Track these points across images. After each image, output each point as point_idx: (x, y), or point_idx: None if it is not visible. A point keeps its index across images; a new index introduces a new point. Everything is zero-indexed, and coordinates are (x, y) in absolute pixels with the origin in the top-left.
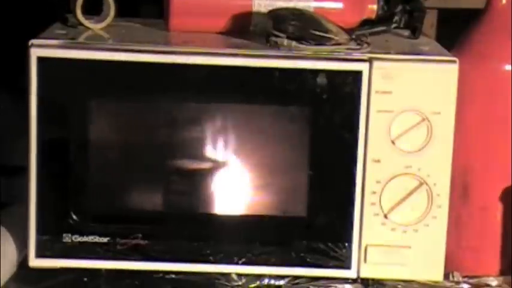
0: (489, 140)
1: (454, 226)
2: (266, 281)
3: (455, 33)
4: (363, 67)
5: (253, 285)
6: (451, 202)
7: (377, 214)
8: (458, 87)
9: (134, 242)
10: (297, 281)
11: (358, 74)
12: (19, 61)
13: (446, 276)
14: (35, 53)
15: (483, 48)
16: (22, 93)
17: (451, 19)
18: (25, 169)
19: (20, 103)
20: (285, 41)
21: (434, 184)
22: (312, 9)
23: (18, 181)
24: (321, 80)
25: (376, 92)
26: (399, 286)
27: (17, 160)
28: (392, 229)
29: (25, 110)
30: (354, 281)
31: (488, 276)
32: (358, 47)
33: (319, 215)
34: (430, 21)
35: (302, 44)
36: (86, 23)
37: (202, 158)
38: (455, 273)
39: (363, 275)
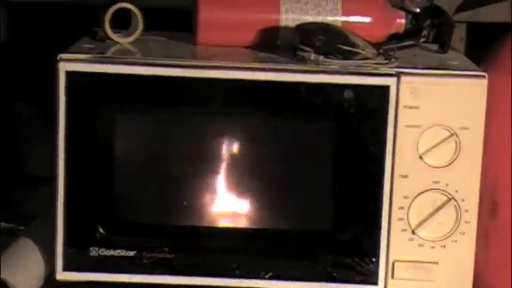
0: None
1: (482, 242)
2: None
3: (484, 47)
4: (391, 82)
5: None
6: (479, 218)
7: (404, 230)
8: (487, 102)
9: (160, 255)
10: None
11: (385, 89)
12: (44, 73)
13: None
14: (63, 67)
15: None
16: (46, 105)
17: (481, 33)
18: (50, 180)
19: (44, 114)
20: (312, 56)
21: (463, 200)
22: (340, 24)
23: (43, 192)
24: (348, 94)
25: (404, 106)
26: None
27: (41, 171)
28: (420, 245)
29: (49, 122)
30: None
31: None
32: (385, 61)
33: (346, 230)
34: (459, 35)
35: (329, 58)
36: (114, 37)
37: (229, 171)
38: None
39: None
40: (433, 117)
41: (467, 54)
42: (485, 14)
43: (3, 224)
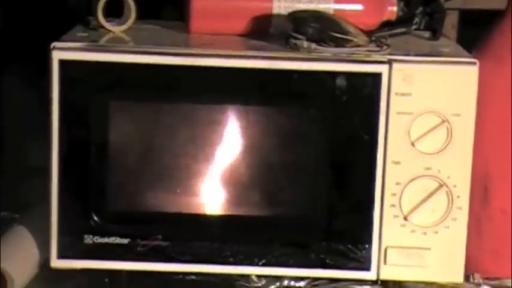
0: (509, 141)
1: (474, 228)
2: (286, 282)
3: (476, 34)
4: (383, 69)
5: (273, 287)
6: (471, 204)
7: (397, 216)
8: (478, 89)
9: (154, 243)
10: (316, 283)
11: (377, 76)
12: (42, 62)
13: (466, 278)
14: (56, 56)
15: (504, 50)
16: (40, 93)
17: (473, 20)
18: (44, 169)
19: (44, 103)
20: (305, 43)
21: (455, 186)
22: (332, 11)
23: (40, 181)
24: (341, 82)
25: (396, 93)
26: None
27: (36, 160)
28: (412, 231)
29: (44, 110)
30: (373, 283)
31: (508, 278)
32: (377, 48)
33: (338, 217)
34: (451, 22)
35: (322, 46)
36: (107, 25)
37: (222, 159)
38: (476, 275)
39: (382, 276)
40: (424, 104)
41: (459, 41)
42: (476, 1)
43: None
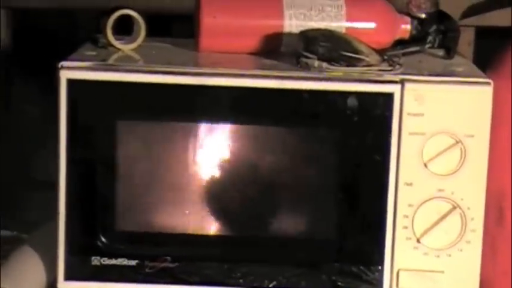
0: None
1: (489, 250)
2: None
3: (493, 52)
4: (395, 89)
5: None
6: (486, 226)
7: (409, 238)
8: (492, 108)
9: (163, 264)
10: None
11: (389, 96)
12: (49, 78)
13: None
14: (64, 75)
15: None
16: (50, 110)
17: (489, 37)
18: (53, 185)
19: (49, 119)
20: (316, 63)
21: (468, 208)
22: (344, 30)
23: (47, 197)
24: (352, 102)
25: (408, 114)
26: None
27: (47, 175)
28: (425, 253)
29: (55, 125)
30: None
31: None
32: (389, 68)
33: (350, 238)
34: (467, 39)
35: (333, 65)
36: (116, 44)
37: (231, 179)
38: None
39: None
40: (437, 125)
41: (475, 59)
42: (493, 18)
43: (7, 233)
